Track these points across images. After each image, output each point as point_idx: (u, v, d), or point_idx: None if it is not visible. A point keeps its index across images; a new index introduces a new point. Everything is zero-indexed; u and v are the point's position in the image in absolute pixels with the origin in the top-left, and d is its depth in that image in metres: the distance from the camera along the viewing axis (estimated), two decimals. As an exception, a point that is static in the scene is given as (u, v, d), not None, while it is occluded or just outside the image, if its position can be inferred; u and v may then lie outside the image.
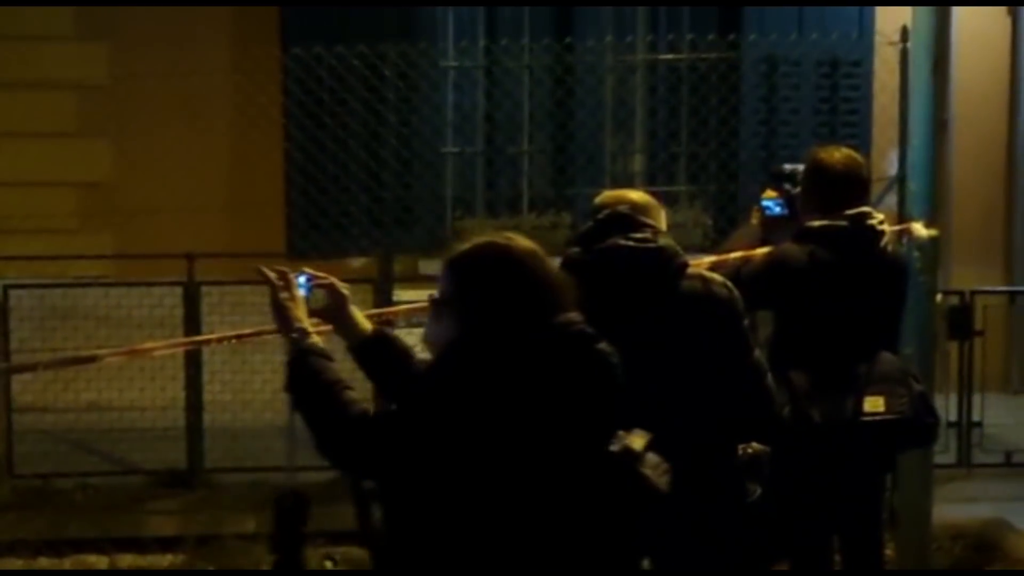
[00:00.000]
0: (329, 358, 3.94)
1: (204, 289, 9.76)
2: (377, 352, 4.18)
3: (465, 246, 3.85)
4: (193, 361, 9.80)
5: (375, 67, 11.30)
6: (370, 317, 4.40)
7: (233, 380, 10.56)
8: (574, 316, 3.76)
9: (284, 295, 4.12)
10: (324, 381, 3.85)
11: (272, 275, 4.18)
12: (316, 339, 4.01)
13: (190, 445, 9.74)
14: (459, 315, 3.74)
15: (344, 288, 4.28)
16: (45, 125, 11.41)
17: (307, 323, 4.05)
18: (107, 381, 10.62)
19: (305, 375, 3.89)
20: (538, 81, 11.95)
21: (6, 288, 9.99)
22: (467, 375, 3.64)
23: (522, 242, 3.88)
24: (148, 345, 4.80)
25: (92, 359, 4.63)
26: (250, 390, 10.80)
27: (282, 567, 4.41)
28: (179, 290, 9.84)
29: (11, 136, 11.40)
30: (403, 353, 4.23)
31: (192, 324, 9.61)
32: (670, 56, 11.85)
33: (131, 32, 11.39)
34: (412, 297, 8.27)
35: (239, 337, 4.93)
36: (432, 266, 10.59)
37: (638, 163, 12.28)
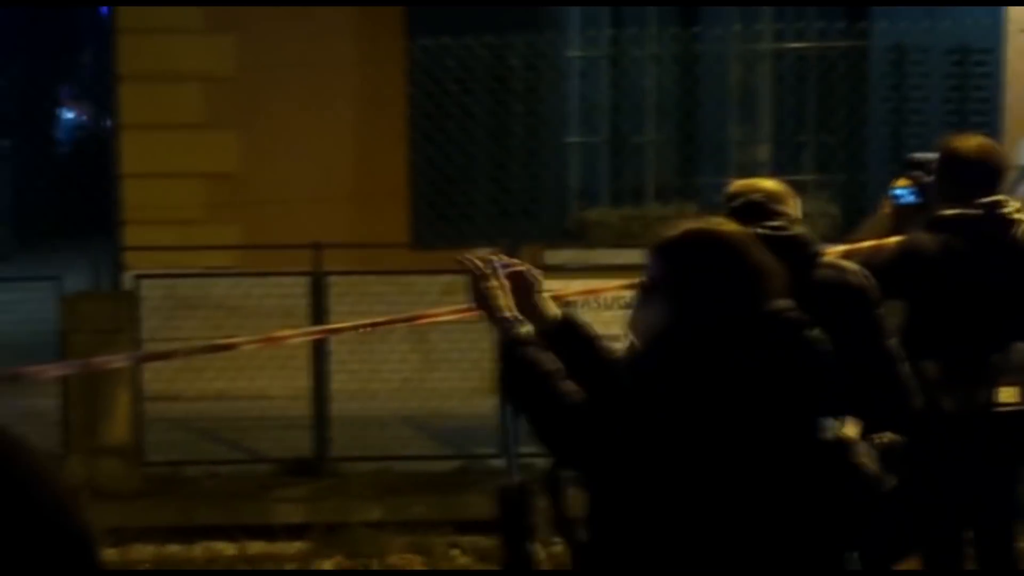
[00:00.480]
0: (540, 346, 3.90)
1: (330, 279, 9.82)
2: (565, 337, 4.13)
3: (674, 231, 3.81)
4: (320, 351, 9.86)
5: (502, 57, 11.31)
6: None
7: (359, 370, 10.63)
8: (785, 303, 3.72)
9: (488, 283, 4.08)
10: (540, 372, 3.80)
11: (476, 262, 4.14)
12: (525, 328, 3.97)
13: (317, 434, 9.80)
14: (670, 301, 3.69)
15: (537, 273, 4.22)
16: (174, 117, 11.53)
17: (513, 311, 4.01)
18: (237, 370, 10.73)
19: (520, 367, 3.85)
20: (664, 70, 11.89)
21: (138, 278, 10.11)
22: (684, 363, 3.60)
23: (732, 227, 3.83)
24: (284, 333, 4.83)
25: (230, 347, 4.66)
26: (376, 379, 10.87)
27: (509, 560, 4.38)
28: (305, 280, 9.90)
29: (142, 128, 11.53)
30: (590, 338, 4.18)
31: (319, 314, 9.67)
32: (797, 44, 11.75)
33: (259, 24, 11.48)
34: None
35: (373, 325, 4.94)
36: (558, 256, 10.59)
37: (764, 152, 12.19)
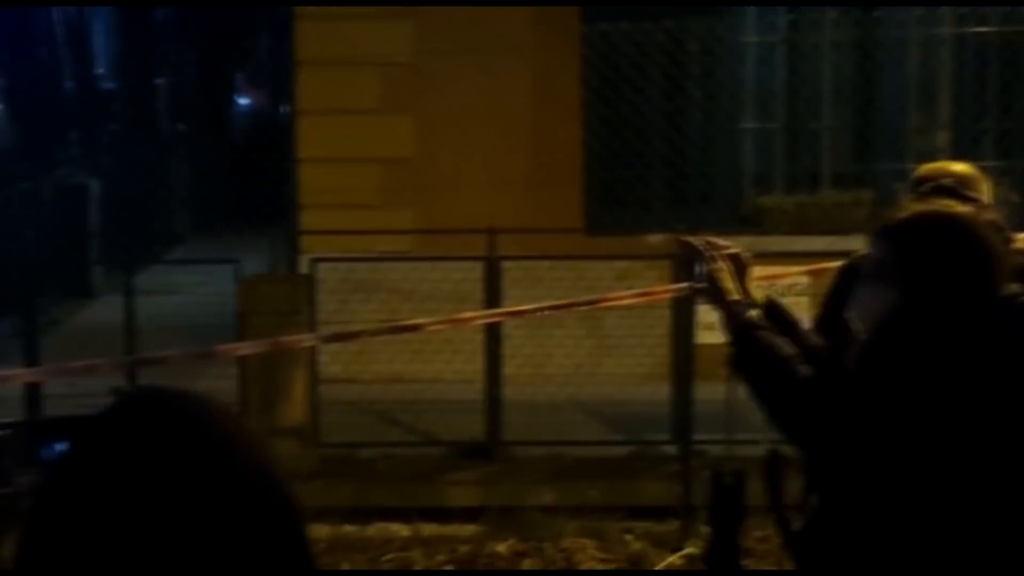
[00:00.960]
0: (771, 329, 3.87)
1: (505, 264, 9.83)
2: (771, 320, 4.08)
3: (903, 214, 3.74)
4: (495, 335, 9.89)
5: (679, 42, 11.25)
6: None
7: (533, 354, 10.65)
8: (1017, 287, 3.64)
9: (715, 265, 4.06)
10: (775, 357, 3.76)
11: (700, 245, 4.12)
12: (756, 311, 3.93)
13: (490, 418, 9.83)
14: (899, 285, 3.63)
15: (749, 257, 4.19)
16: (350, 102, 11.62)
17: (740, 293, 3.98)
18: (411, 354, 10.81)
19: (755, 350, 3.82)
20: (842, 55, 11.75)
21: (315, 261, 10.22)
22: (917, 349, 3.54)
23: (962, 211, 3.76)
24: (468, 315, 4.85)
25: (414, 328, 4.68)
26: (549, 364, 10.87)
27: (717, 544, 4.36)
28: (477, 265, 9.94)
29: (318, 114, 11.64)
30: (792, 322, 4.14)
31: (493, 299, 9.69)
32: (980, 29, 11.53)
33: (436, 10, 11.53)
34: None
35: (555, 308, 4.94)
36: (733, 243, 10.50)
37: (942, 138, 11.98)
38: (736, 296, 3.95)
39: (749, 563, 6.60)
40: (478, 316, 4.94)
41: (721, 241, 4.18)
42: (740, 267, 4.11)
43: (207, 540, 1.62)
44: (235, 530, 1.64)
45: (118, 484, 1.61)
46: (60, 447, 1.80)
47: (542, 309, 5.10)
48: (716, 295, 4.01)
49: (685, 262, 4.18)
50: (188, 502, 1.61)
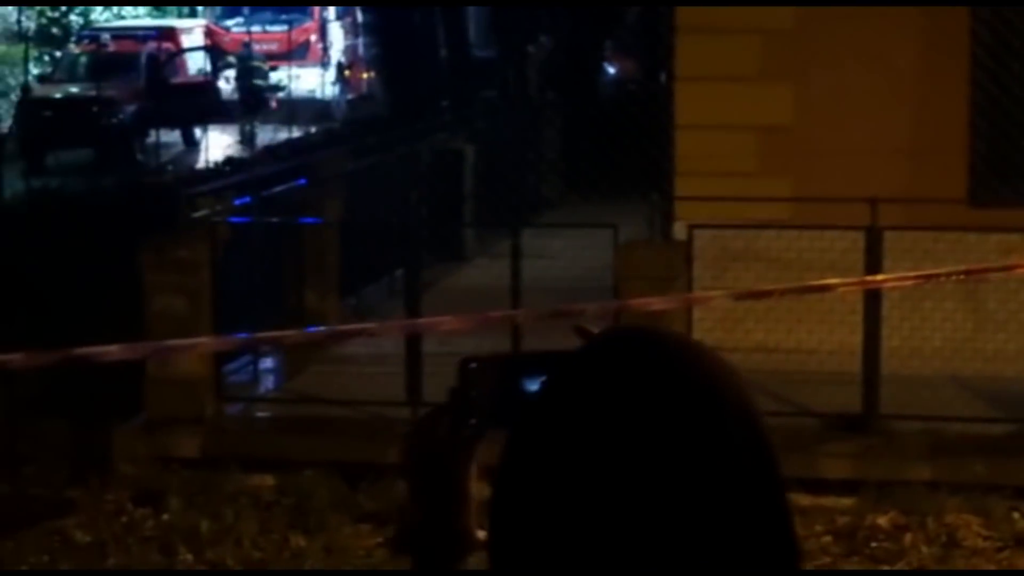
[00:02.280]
0: None
1: (886, 234, 9.67)
2: None
3: None
4: (873, 309, 9.73)
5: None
6: None
7: (902, 327, 10.42)
8: None
9: None
10: None
11: None
12: None
13: (866, 390, 9.69)
14: None
15: None
16: (730, 69, 11.56)
17: None
18: (775, 322, 10.71)
19: None
20: None
21: (691, 228, 10.23)
22: None
23: None
24: (880, 277, 4.76)
25: (826, 288, 4.64)
26: (919, 337, 10.64)
27: None
28: (850, 234, 9.80)
29: (695, 80, 11.61)
30: None
31: (873, 269, 9.54)
32: None
33: (817, -24, 11.37)
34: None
35: (927, 277, 4.82)
36: None
37: None
38: None
39: None
40: (889, 279, 4.86)
41: None
42: None
43: (689, 481, 1.62)
44: (719, 473, 1.64)
45: (603, 419, 1.63)
46: (531, 383, 1.83)
47: (956, 273, 4.99)
48: None
49: None
50: (672, 441, 1.62)
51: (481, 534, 1.87)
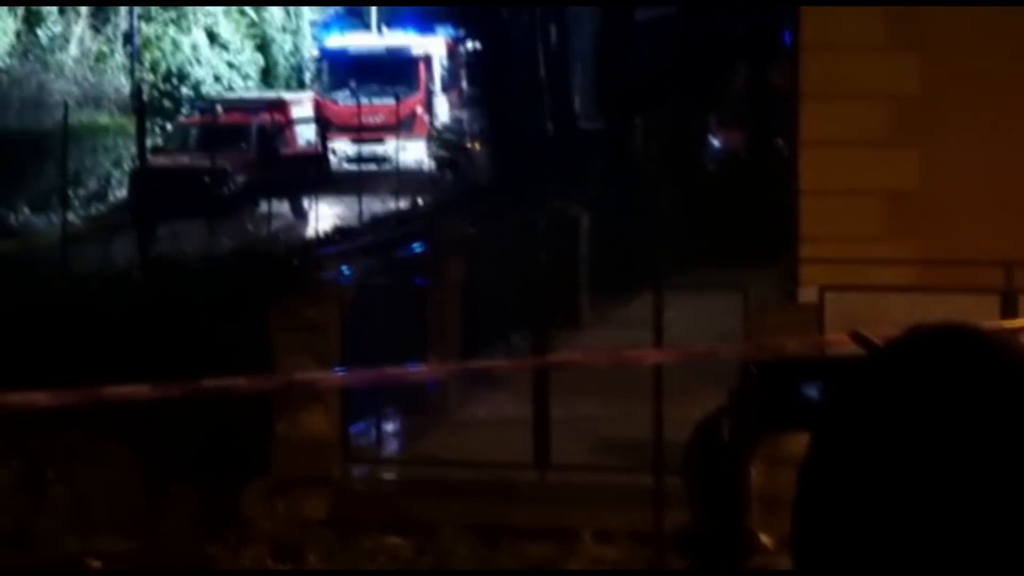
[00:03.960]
0: None
1: (1022, 297, 9.57)
2: None
3: None
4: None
5: None
6: None
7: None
8: None
9: None
10: None
11: None
12: None
13: None
14: None
15: None
16: (853, 134, 11.51)
17: None
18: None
19: None
20: None
21: (822, 290, 10.19)
22: None
23: None
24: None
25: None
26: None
27: None
28: (989, 299, 9.69)
29: (819, 145, 11.58)
30: None
31: (1008, 332, 9.44)
32: None
33: (942, 40, 11.32)
34: None
35: None
36: None
37: None
38: None
39: None
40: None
41: None
42: None
43: (1012, 473, 1.61)
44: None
45: (928, 417, 1.63)
46: (810, 388, 1.83)
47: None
48: None
49: None
50: (1005, 438, 1.61)
51: (764, 538, 1.86)
